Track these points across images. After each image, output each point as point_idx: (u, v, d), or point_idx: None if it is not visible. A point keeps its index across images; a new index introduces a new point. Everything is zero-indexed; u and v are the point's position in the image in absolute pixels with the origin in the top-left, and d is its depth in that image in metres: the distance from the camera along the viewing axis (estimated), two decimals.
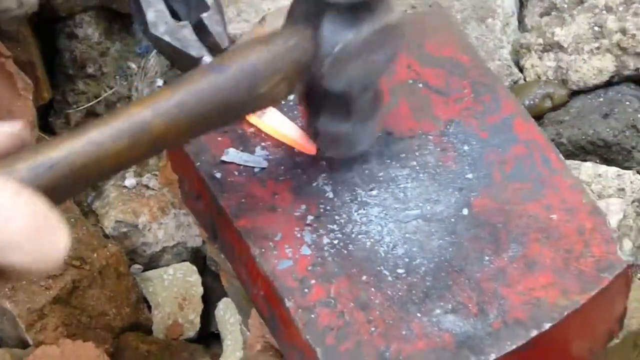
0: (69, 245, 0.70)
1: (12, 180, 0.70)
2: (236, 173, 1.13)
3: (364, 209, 1.10)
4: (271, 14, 1.58)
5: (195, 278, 1.96)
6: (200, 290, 1.95)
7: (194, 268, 1.97)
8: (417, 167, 1.14)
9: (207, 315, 1.96)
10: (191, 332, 1.94)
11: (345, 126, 1.07)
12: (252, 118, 1.17)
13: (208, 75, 0.95)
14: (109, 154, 0.85)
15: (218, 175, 1.12)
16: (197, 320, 1.94)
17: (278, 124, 1.17)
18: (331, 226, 1.09)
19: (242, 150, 1.15)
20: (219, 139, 1.16)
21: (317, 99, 1.06)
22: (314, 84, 1.02)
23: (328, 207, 1.10)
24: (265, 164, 1.14)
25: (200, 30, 1.12)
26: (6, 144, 0.77)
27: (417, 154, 1.15)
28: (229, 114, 0.97)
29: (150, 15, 1.12)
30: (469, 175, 1.13)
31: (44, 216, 0.68)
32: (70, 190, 0.85)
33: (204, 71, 0.96)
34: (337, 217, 1.09)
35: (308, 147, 1.14)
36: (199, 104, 0.92)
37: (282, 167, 1.14)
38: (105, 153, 0.85)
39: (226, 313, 1.86)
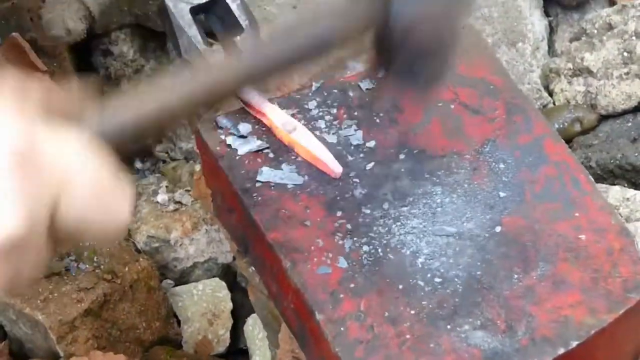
0: (133, 204, 0.71)
1: (88, 139, 0.71)
2: (269, 187, 1.14)
3: (395, 225, 1.11)
4: None
5: (224, 294, 1.96)
6: (230, 305, 1.95)
7: (224, 284, 1.97)
8: (449, 185, 1.15)
9: (237, 331, 1.97)
10: (221, 348, 1.94)
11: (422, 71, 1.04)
12: (284, 134, 1.18)
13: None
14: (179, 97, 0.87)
15: (251, 189, 1.14)
16: (227, 335, 1.94)
17: (308, 143, 1.18)
18: (362, 241, 1.10)
19: (275, 167, 1.16)
20: (253, 156, 1.17)
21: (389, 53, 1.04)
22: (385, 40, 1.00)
23: (359, 222, 1.11)
24: (300, 181, 1.15)
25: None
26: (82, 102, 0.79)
27: (449, 171, 1.17)
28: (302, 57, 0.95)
29: (183, 41, 1.14)
30: (502, 194, 1.14)
31: (113, 180, 0.70)
32: (140, 137, 0.86)
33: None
34: (368, 232, 1.10)
35: (334, 168, 1.16)
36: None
37: (315, 183, 1.15)
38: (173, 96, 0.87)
39: (255, 329, 1.87)
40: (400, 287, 1.06)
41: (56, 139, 0.68)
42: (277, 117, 1.19)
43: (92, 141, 0.72)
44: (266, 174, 1.16)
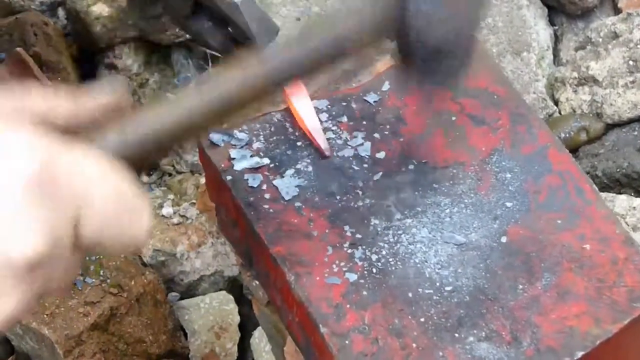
0: (151, 224, 0.72)
1: (104, 154, 0.72)
2: (272, 201, 1.14)
3: (398, 237, 1.11)
4: None
5: (231, 307, 1.96)
6: (237, 319, 1.95)
7: (231, 297, 1.97)
8: (456, 195, 1.15)
9: (244, 344, 1.96)
10: None
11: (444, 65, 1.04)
12: (289, 103, 1.19)
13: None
14: (196, 114, 0.87)
15: (254, 203, 1.14)
16: (234, 349, 1.94)
17: (306, 114, 1.19)
18: (365, 253, 1.10)
19: (277, 177, 1.16)
20: (255, 170, 1.17)
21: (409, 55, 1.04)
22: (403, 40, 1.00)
23: (362, 235, 1.11)
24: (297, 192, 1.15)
25: None
26: (102, 113, 0.80)
27: (454, 182, 1.17)
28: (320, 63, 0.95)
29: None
30: (508, 204, 1.14)
31: (132, 195, 0.70)
32: (156, 154, 0.87)
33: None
34: (371, 245, 1.10)
35: (324, 147, 1.17)
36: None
37: (318, 196, 1.15)
38: (191, 114, 0.86)
39: (261, 341, 1.87)
40: (406, 298, 1.06)
41: (73, 154, 0.68)
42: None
43: (109, 156, 0.72)
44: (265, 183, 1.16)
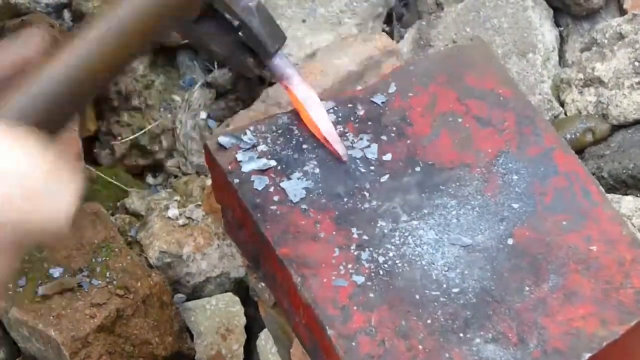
0: (80, 189, 0.65)
1: (8, 122, 0.67)
2: (279, 203, 1.14)
3: (405, 239, 1.11)
4: (322, 50, 1.60)
5: (237, 309, 1.96)
6: (243, 320, 1.95)
7: (237, 299, 1.97)
8: (463, 197, 1.15)
9: (250, 346, 1.96)
10: None
11: None
12: (300, 108, 1.19)
13: None
14: (94, 60, 0.81)
15: (261, 204, 1.14)
16: (241, 351, 1.94)
17: (319, 119, 1.19)
18: (372, 255, 1.10)
19: (284, 179, 1.16)
20: (262, 171, 1.17)
21: None
22: None
23: (369, 237, 1.11)
24: (304, 194, 1.15)
25: None
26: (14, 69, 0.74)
27: (461, 183, 1.17)
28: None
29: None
30: (515, 205, 1.14)
31: (39, 172, 0.64)
32: (70, 111, 0.81)
33: None
34: (378, 247, 1.10)
35: (342, 153, 1.17)
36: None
37: (324, 198, 1.15)
38: (88, 60, 0.81)
39: (268, 343, 1.87)
40: (413, 299, 1.06)
41: None
42: (301, 92, 1.20)
43: (14, 123, 0.67)
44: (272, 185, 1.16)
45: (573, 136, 1.98)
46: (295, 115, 1.21)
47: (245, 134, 1.20)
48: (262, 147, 1.19)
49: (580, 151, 1.96)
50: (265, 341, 1.89)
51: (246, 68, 1.19)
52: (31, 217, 0.63)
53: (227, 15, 1.14)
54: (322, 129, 1.19)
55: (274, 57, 1.17)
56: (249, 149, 1.18)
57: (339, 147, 1.18)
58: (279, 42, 1.17)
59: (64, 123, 0.80)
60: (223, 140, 1.19)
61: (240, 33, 1.14)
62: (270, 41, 1.15)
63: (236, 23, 1.14)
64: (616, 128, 2.00)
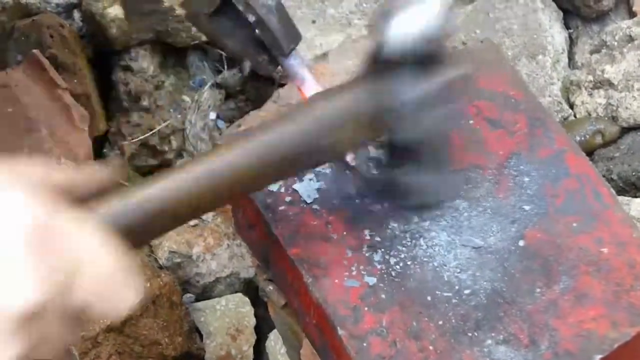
0: (142, 295, 0.74)
1: (100, 226, 0.74)
2: (290, 204, 1.14)
3: (416, 240, 1.11)
4: (333, 51, 1.60)
5: (247, 309, 1.96)
6: (253, 321, 1.95)
7: (247, 299, 1.97)
8: (475, 198, 1.15)
9: (260, 347, 1.97)
10: None
11: (420, 176, 1.08)
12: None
13: (278, 126, 0.97)
14: (189, 198, 0.89)
15: (272, 205, 1.14)
16: (250, 351, 1.94)
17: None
18: (384, 257, 1.10)
19: (295, 180, 1.16)
20: None
21: (390, 152, 1.08)
22: (385, 138, 1.04)
23: (381, 238, 1.11)
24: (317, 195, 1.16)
25: None
26: (96, 185, 0.82)
27: (472, 185, 1.16)
28: (294, 162, 0.99)
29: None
30: (526, 207, 1.14)
31: (123, 265, 0.73)
32: (150, 233, 0.88)
33: (274, 122, 0.99)
34: (390, 248, 1.10)
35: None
36: (270, 152, 0.95)
37: (336, 198, 1.15)
38: (185, 197, 0.88)
39: (277, 344, 1.87)
40: (424, 301, 1.06)
41: (74, 220, 0.71)
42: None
43: (107, 228, 0.75)
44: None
45: (582, 138, 1.98)
46: None
47: None
48: None
49: (589, 153, 1.97)
50: (274, 342, 1.89)
51: (259, 65, 1.19)
52: (107, 304, 0.72)
53: (245, 11, 1.14)
54: None
55: (288, 56, 1.18)
56: None
57: None
58: (294, 42, 1.17)
59: (142, 244, 0.91)
60: None
61: (256, 30, 1.14)
62: (286, 40, 1.15)
63: (253, 19, 1.14)
64: (626, 130, 2.00)
